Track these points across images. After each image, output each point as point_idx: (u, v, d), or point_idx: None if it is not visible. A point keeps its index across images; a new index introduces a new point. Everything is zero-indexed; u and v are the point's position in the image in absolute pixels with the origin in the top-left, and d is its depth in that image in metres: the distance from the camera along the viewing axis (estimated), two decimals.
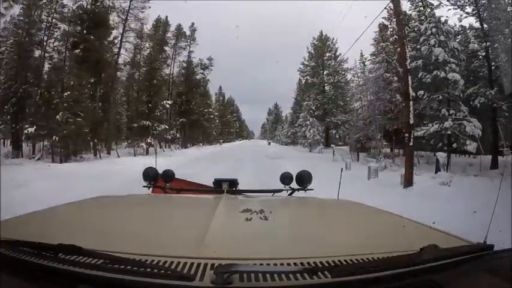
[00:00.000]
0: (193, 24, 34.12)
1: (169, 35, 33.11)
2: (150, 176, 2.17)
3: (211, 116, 38.97)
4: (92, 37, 21.97)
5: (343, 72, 33.48)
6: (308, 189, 2.15)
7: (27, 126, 20.60)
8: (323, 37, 35.37)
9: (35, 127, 20.39)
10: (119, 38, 25.40)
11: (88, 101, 23.32)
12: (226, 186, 2.18)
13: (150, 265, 0.75)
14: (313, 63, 34.85)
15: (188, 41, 34.08)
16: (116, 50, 25.29)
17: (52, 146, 20.38)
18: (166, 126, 27.06)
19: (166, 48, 32.44)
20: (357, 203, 1.72)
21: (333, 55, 34.85)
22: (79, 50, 22.05)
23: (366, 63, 27.71)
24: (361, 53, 28.62)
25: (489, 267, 0.88)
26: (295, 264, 0.80)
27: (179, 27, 33.69)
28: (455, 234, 1.13)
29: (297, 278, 0.74)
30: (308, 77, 34.87)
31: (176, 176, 2.37)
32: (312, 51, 35.49)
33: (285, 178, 2.18)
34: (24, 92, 20.94)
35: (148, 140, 24.80)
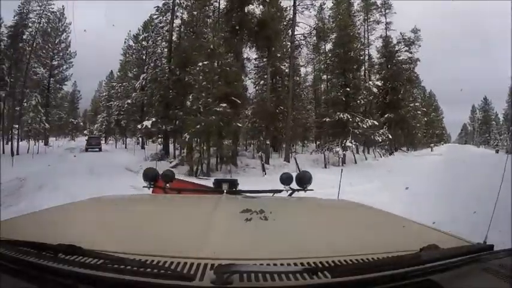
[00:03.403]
0: None
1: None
2: (150, 176, 2.57)
3: (418, 113, 35.90)
4: None
5: None
6: (308, 190, 2.47)
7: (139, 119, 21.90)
8: None
9: (152, 120, 20.32)
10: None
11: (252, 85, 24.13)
12: (226, 187, 2.52)
13: (150, 265, 0.92)
14: None
15: (382, 10, 32.50)
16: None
17: (184, 148, 19.78)
18: (375, 122, 24.29)
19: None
20: (357, 203, 1.97)
21: None
22: (232, 17, 21.76)
23: None
24: None
25: (489, 267, 1.03)
26: (295, 264, 0.97)
27: None
28: (455, 234, 1.32)
29: (297, 278, 0.90)
30: None
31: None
32: None
33: (285, 178, 2.55)
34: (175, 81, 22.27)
35: (348, 143, 22.48)
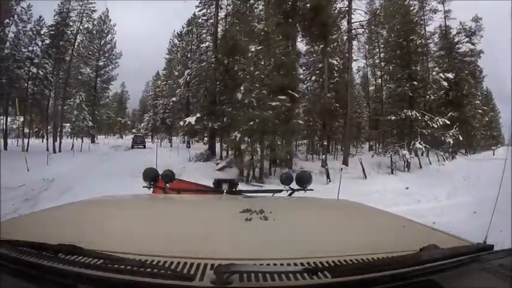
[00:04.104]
0: None
1: None
2: (150, 176, 2.68)
3: (479, 111, 33.13)
4: None
5: None
6: (308, 190, 2.59)
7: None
8: None
9: (197, 116, 19.46)
10: None
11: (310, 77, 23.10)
12: (226, 187, 2.62)
13: (150, 265, 0.97)
14: None
15: None
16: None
17: (233, 148, 18.40)
18: (446, 121, 22.18)
19: None
20: (357, 203, 2.08)
21: None
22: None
23: None
24: None
25: (489, 267, 1.09)
26: (295, 264, 1.02)
27: None
28: (455, 234, 1.39)
29: (297, 278, 0.96)
30: None
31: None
32: None
33: (285, 178, 2.66)
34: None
35: (418, 145, 21.07)
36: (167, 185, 2.76)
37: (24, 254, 1.08)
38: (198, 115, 21.02)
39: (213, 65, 22.89)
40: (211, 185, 2.93)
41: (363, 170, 18.74)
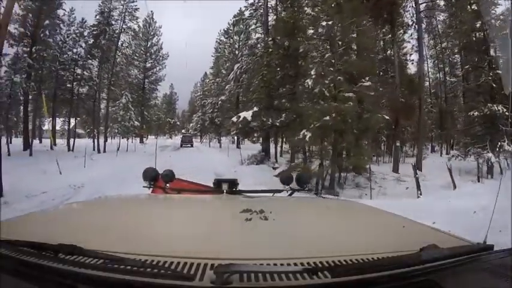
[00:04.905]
0: None
1: None
2: (150, 176, 2.79)
3: None
4: None
5: None
6: (308, 190, 2.74)
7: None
8: None
9: (254, 110, 17.97)
10: None
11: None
12: (226, 187, 2.68)
13: (150, 265, 1.02)
14: None
15: None
16: None
17: (297, 149, 16.81)
18: None
19: None
20: (357, 203, 2.22)
21: None
22: None
23: None
24: None
25: (489, 267, 1.13)
26: (295, 264, 1.07)
27: None
28: (455, 234, 1.45)
29: (297, 278, 1.00)
30: None
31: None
32: None
33: (285, 178, 2.79)
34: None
35: (507, 146, 18.61)
36: (167, 185, 2.89)
37: (24, 254, 1.14)
38: (255, 109, 19.47)
39: (270, 50, 21.72)
40: (212, 185, 3.01)
41: (452, 178, 16.57)
